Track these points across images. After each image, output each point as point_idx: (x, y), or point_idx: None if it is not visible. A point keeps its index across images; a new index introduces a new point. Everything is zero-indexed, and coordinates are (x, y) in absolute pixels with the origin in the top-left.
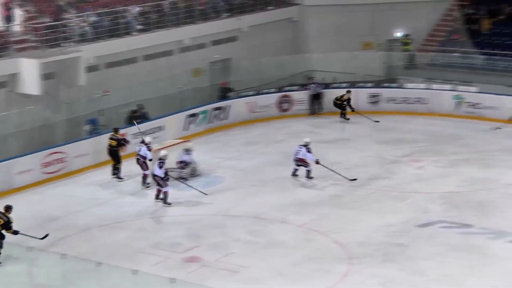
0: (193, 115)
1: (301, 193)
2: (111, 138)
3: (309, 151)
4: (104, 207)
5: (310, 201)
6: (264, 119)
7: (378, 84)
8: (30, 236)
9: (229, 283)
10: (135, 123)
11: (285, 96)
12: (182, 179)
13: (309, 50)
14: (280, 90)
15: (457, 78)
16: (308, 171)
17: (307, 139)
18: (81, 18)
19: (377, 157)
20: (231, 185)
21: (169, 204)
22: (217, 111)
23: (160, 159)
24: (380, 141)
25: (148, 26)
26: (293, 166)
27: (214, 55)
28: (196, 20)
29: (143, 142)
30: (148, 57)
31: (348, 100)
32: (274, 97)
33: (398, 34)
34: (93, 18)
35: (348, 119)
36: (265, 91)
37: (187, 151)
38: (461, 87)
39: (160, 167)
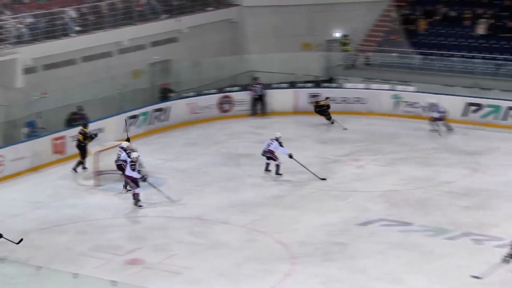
0: (133, 116)
1: (243, 194)
2: (79, 133)
3: (281, 145)
4: (43, 211)
5: (252, 201)
6: (205, 120)
7: (318, 84)
8: (8, 240)
9: (172, 285)
10: (126, 123)
11: (225, 96)
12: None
13: (249, 50)
14: (220, 91)
15: (395, 78)
16: (278, 166)
17: (278, 133)
18: (17, 20)
19: (319, 157)
20: (172, 187)
21: (141, 206)
22: (157, 113)
23: (132, 161)
24: (322, 140)
25: (86, 28)
26: (264, 160)
27: (154, 56)
28: (134, 21)
29: (122, 148)
30: (86, 58)
31: (328, 106)
32: (214, 98)
33: (337, 34)
34: (29, 20)
35: (333, 122)
36: (205, 92)
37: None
38: (399, 87)
39: (133, 170)
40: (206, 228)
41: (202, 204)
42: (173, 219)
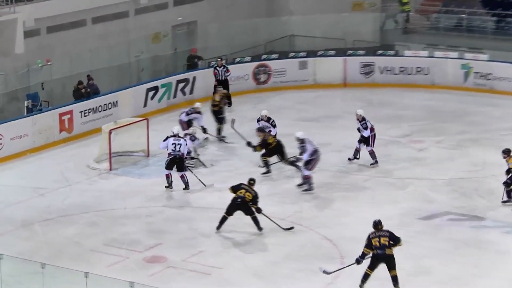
0: (153, 88)
1: (283, 181)
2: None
3: (273, 125)
4: (47, 198)
5: (293, 190)
6: (237, 92)
7: (371, 51)
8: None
9: (198, 287)
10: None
11: (261, 65)
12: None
13: (289, 11)
14: (255, 59)
15: (464, 44)
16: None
17: (264, 111)
18: None
19: None
20: (200, 171)
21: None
22: (181, 84)
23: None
24: (374, 118)
25: None
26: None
27: (177, 17)
28: None
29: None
30: (98, 19)
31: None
32: (248, 67)
33: None
34: None
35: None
36: (237, 60)
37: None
38: (468, 55)
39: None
40: (238, 221)
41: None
42: (200, 210)
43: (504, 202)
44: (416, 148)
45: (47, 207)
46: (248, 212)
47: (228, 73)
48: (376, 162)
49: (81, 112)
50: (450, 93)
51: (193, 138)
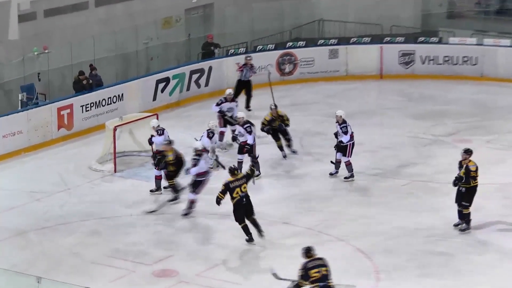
0: (163, 80)
1: (308, 185)
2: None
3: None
4: (44, 203)
5: (320, 194)
6: (259, 85)
7: (411, 38)
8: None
9: None
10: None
11: (286, 54)
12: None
13: None
14: (279, 46)
15: None
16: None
17: (240, 114)
18: None
19: (411, 136)
20: (217, 174)
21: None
22: (196, 75)
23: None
24: (416, 115)
25: None
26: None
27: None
28: None
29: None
30: (101, 2)
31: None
32: (272, 56)
33: None
34: None
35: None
36: (259, 47)
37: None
38: None
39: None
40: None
41: (255, 198)
42: (216, 217)
43: None
44: (462, 149)
45: (43, 214)
46: (250, 212)
47: (253, 74)
48: (352, 176)
49: (82, 106)
50: (501, 86)
51: (211, 134)
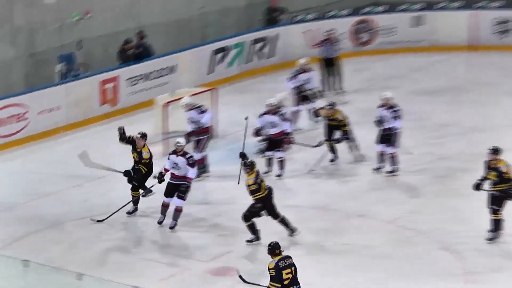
0: (221, 50)
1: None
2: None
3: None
4: (85, 190)
5: (399, 185)
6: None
7: (508, 3)
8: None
9: None
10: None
11: (363, 21)
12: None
13: None
14: (355, 12)
15: None
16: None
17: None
18: None
19: (509, 117)
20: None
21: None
22: (258, 44)
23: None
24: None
25: None
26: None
27: None
28: None
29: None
30: None
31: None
32: (346, 23)
33: None
34: None
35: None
36: (331, 13)
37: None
38: None
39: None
40: (334, 224)
41: (327, 188)
42: (284, 208)
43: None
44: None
45: (84, 202)
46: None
47: (338, 48)
48: (397, 169)
49: (128, 79)
50: None
51: (281, 116)
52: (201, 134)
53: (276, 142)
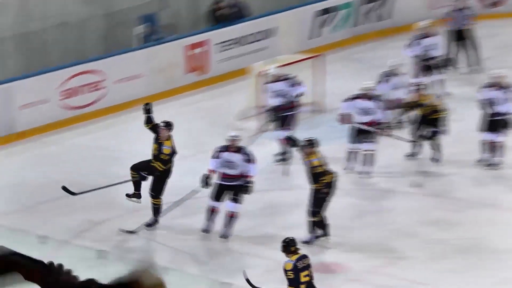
0: (326, 11)
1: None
2: None
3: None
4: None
5: None
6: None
7: None
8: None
9: None
10: None
11: None
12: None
13: None
14: None
15: None
16: None
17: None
18: None
19: None
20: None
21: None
22: (370, 4)
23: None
24: None
25: None
26: None
27: None
28: None
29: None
30: None
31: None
32: None
33: None
34: None
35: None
36: None
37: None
38: None
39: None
40: (460, 214)
41: (447, 172)
42: (398, 195)
43: None
44: None
45: (172, 185)
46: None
47: (468, 19)
48: (501, 162)
49: (219, 44)
50: None
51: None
52: (288, 110)
53: (365, 132)
